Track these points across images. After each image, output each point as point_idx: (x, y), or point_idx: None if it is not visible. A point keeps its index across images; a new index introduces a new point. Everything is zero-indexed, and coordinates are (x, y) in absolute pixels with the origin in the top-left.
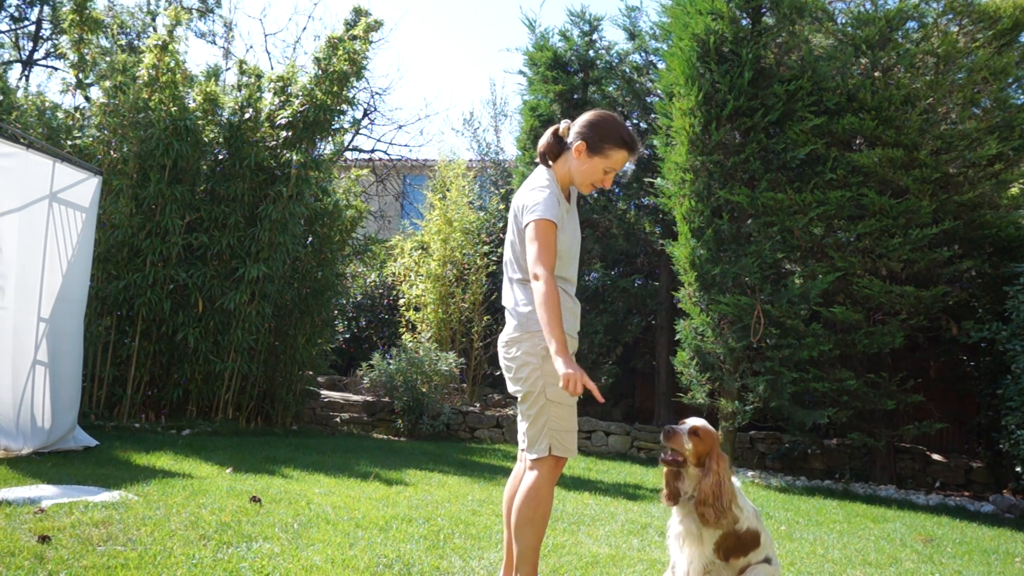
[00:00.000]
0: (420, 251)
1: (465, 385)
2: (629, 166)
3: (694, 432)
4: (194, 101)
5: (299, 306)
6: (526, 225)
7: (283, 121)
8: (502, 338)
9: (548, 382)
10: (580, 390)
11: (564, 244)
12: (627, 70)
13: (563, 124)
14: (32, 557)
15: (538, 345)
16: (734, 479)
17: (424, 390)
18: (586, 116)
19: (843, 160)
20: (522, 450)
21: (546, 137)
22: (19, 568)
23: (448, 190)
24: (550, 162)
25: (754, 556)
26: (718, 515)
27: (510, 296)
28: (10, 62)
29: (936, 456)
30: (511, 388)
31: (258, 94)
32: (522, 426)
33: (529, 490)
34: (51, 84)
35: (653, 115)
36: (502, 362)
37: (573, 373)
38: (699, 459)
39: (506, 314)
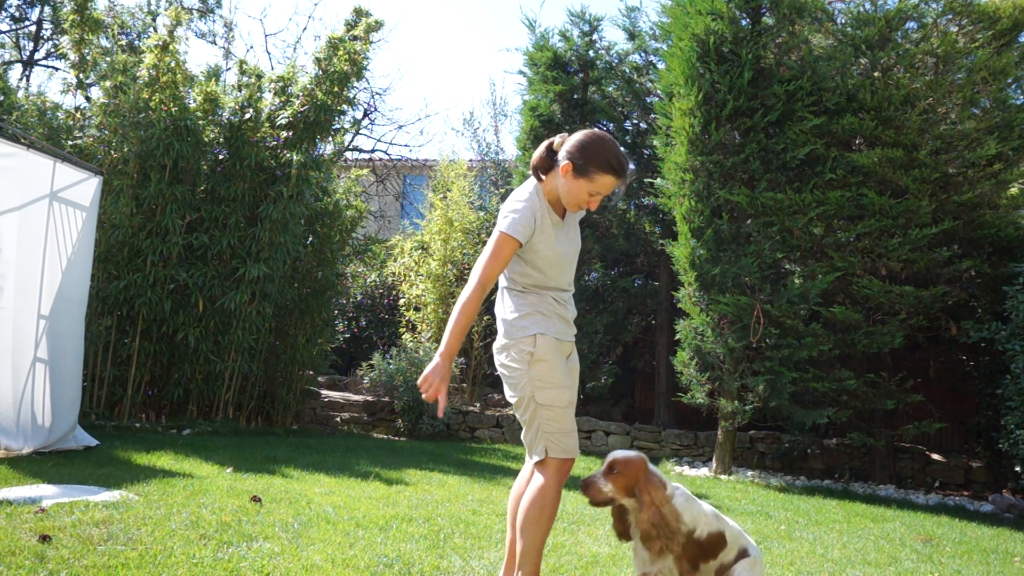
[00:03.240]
0: (420, 251)
1: (465, 385)
2: (619, 189)
3: (610, 469)
4: (194, 101)
5: (299, 306)
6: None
7: (283, 121)
8: (495, 346)
9: (536, 387)
10: (432, 395)
11: (546, 256)
12: (627, 70)
13: (558, 138)
14: (33, 556)
15: (524, 351)
16: (678, 488)
17: None
18: (577, 137)
19: (843, 160)
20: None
21: (539, 151)
22: (20, 567)
23: (449, 190)
24: (541, 176)
25: (724, 555)
26: (666, 544)
27: (500, 304)
28: (11, 62)
29: (936, 456)
30: (507, 395)
31: (258, 94)
32: (522, 432)
33: (537, 491)
34: (52, 84)
35: (653, 115)
36: (498, 370)
37: (431, 377)
38: (627, 492)
39: (498, 322)
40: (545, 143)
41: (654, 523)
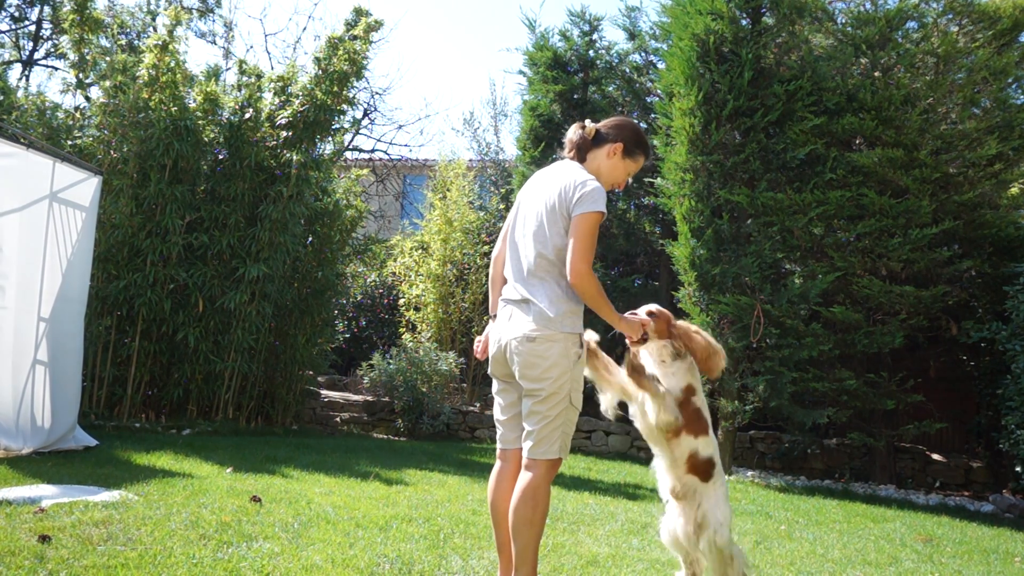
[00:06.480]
0: (420, 251)
1: (465, 385)
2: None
3: (650, 315)
4: (194, 101)
5: (299, 306)
6: (580, 212)
7: (283, 121)
8: (523, 330)
9: (574, 387)
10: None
11: None
12: (627, 70)
13: (589, 124)
14: (32, 556)
15: (571, 349)
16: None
17: (424, 390)
18: (616, 120)
19: (843, 160)
20: (503, 448)
21: (579, 133)
22: (20, 567)
23: (448, 190)
24: (584, 157)
25: (703, 448)
26: (679, 350)
27: (543, 288)
28: (10, 62)
29: (936, 456)
30: (529, 384)
31: (258, 94)
32: (530, 424)
33: (527, 490)
34: (51, 84)
35: (653, 115)
36: (520, 357)
37: (634, 336)
38: (662, 334)
39: (527, 307)
40: (577, 127)
41: (683, 335)
